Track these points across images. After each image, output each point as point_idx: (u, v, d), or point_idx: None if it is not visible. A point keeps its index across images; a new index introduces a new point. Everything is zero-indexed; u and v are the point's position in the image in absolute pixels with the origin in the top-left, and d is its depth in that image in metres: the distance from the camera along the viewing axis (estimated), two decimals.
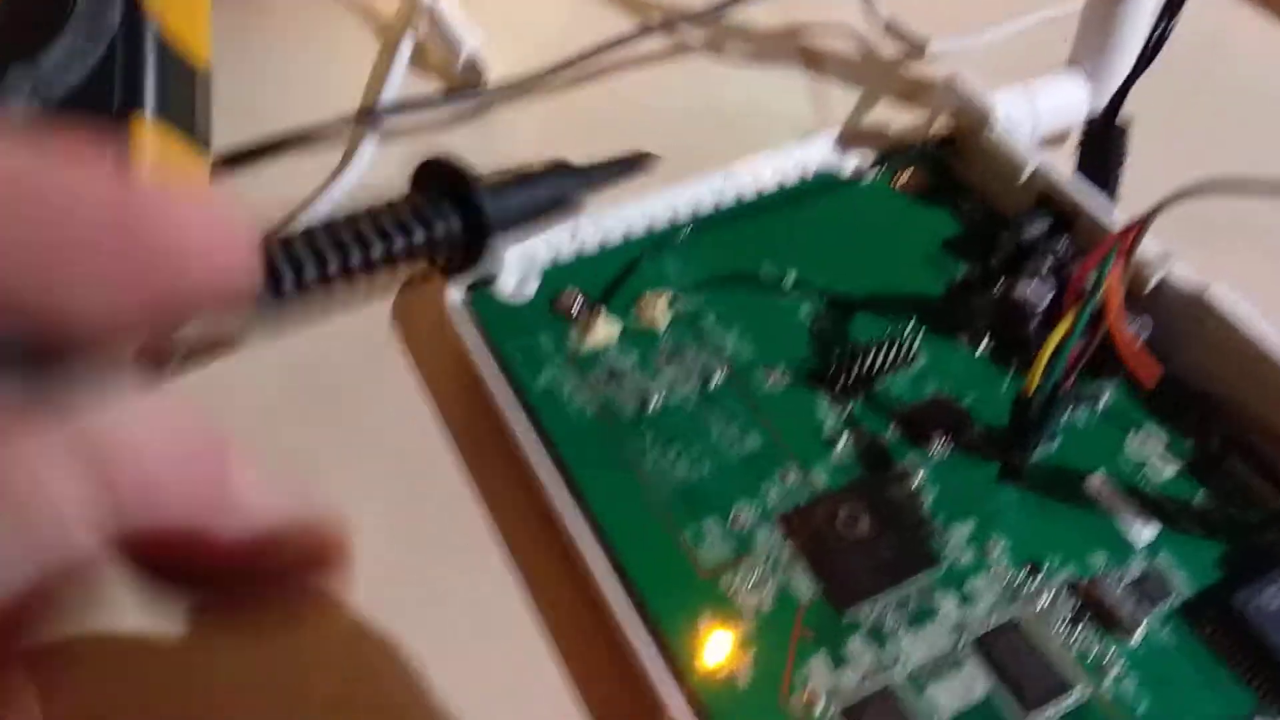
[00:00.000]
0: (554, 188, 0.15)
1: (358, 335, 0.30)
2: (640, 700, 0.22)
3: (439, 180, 0.14)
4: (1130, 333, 0.22)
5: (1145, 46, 0.28)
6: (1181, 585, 0.23)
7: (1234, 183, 0.22)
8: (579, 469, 0.25)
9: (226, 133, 0.35)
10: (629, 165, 0.16)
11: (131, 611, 0.13)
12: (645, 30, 0.37)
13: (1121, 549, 0.24)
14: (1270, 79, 0.38)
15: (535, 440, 0.26)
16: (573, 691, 0.23)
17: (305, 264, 0.12)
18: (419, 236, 0.13)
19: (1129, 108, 0.31)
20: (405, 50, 0.38)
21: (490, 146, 0.36)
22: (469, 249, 0.13)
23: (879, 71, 0.39)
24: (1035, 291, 0.26)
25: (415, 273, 0.13)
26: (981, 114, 0.31)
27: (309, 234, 0.12)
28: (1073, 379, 0.24)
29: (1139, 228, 0.23)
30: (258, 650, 0.24)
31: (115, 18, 0.28)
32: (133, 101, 0.28)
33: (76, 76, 0.28)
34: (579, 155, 0.35)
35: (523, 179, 0.14)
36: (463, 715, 0.23)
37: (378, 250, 0.13)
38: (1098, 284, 0.23)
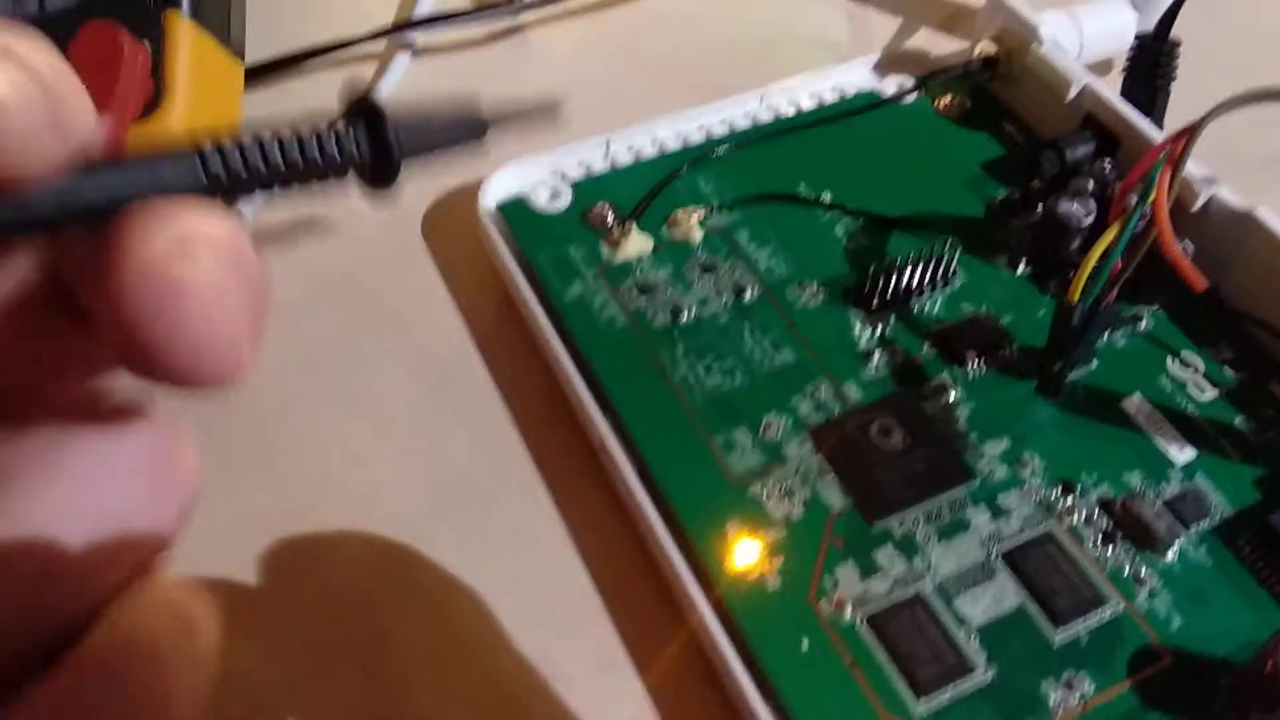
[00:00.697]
0: (459, 126, 0.16)
1: (391, 244, 0.30)
2: (670, 604, 0.22)
3: (358, 107, 0.15)
4: (1176, 241, 0.22)
5: None
6: (1219, 506, 0.23)
7: None
8: (608, 377, 0.25)
9: (260, 45, 0.34)
10: (537, 113, 0.18)
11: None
12: None
13: (1158, 469, 0.24)
14: None
15: (564, 349, 0.26)
16: (603, 596, 0.23)
17: (228, 145, 0.13)
18: (332, 147, 0.14)
19: (1176, 31, 0.30)
20: None
21: (523, 64, 0.36)
22: (377, 166, 0.15)
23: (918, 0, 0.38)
24: (1078, 209, 0.26)
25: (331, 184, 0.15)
26: (1028, 32, 0.30)
27: (235, 137, 0.14)
28: (1114, 294, 0.23)
29: (1189, 135, 0.22)
30: (283, 536, 0.24)
31: None
32: None
33: None
34: (611, 76, 0.35)
35: (431, 114, 0.16)
36: (493, 617, 0.23)
37: (294, 151, 0.14)
38: (1146, 192, 0.22)
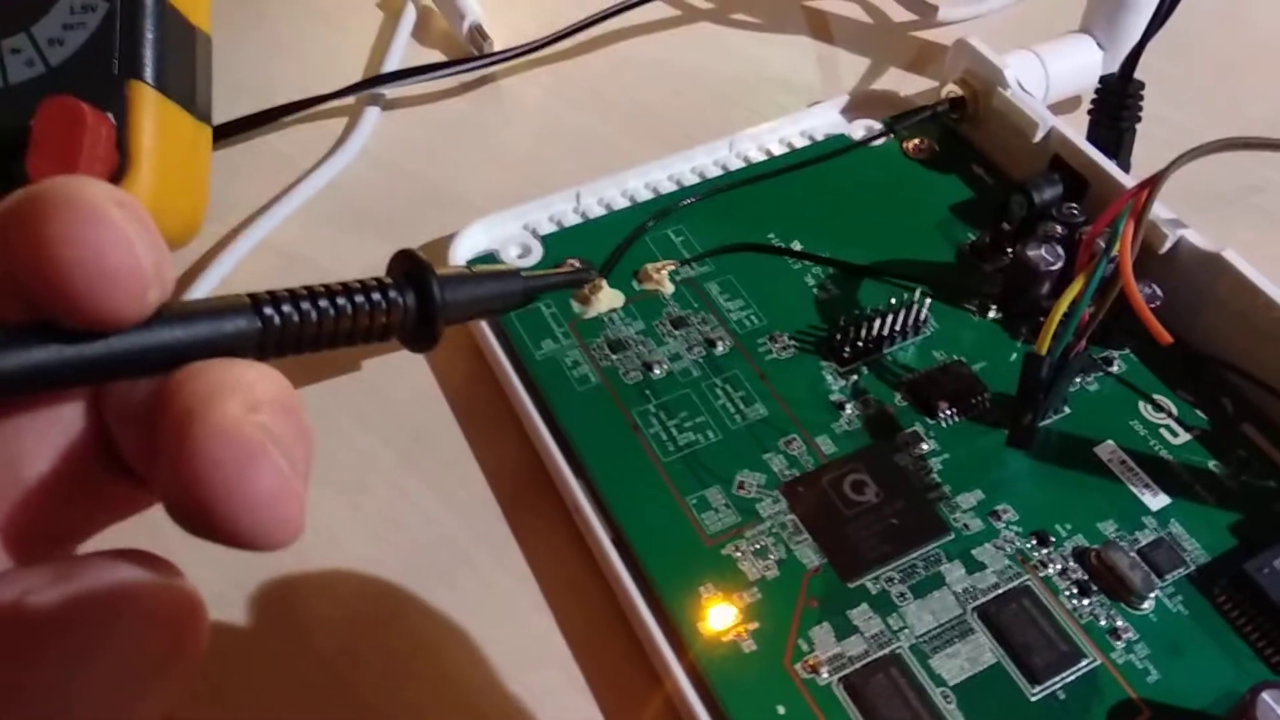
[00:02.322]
0: (501, 287, 0.17)
1: None
2: (647, 669, 0.22)
3: (404, 266, 0.16)
4: (1140, 293, 0.22)
5: (1160, 6, 0.28)
6: (1194, 553, 0.23)
7: (1247, 141, 0.22)
8: (580, 438, 0.25)
9: (231, 102, 0.34)
10: (573, 277, 0.19)
11: None
12: None
13: (1132, 517, 0.24)
14: None
15: (536, 410, 0.25)
16: (579, 660, 0.23)
17: (285, 309, 0.14)
18: (380, 303, 0.15)
19: (1141, 73, 0.31)
20: (408, 20, 0.38)
21: (495, 114, 0.36)
22: (420, 327, 0.16)
23: (888, 39, 0.38)
24: (1046, 255, 0.26)
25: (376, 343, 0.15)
26: (994, 75, 0.30)
27: (291, 290, 0.14)
28: (1084, 342, 0.23)
29: (1152, 185, 0.22)
30: (260, 607, 0.24)
31: None
32: (132, 67, 0.28)
33: (76, 42, 0.28)
34: (583, 125, 0.35)
35: (475, 275, 0.17)
36: (465, 680, 0.23)
37: (346, 307, 0.15)
38: (1111, 243, 0.22)
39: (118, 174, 0.27)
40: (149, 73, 0.28)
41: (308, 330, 0.14)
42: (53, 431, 0.13)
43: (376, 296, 0.15)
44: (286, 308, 0.14)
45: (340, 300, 0.14)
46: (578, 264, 0.28)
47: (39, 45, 0.28)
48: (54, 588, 0.12)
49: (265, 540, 0.12)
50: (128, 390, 0.13)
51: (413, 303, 0.15)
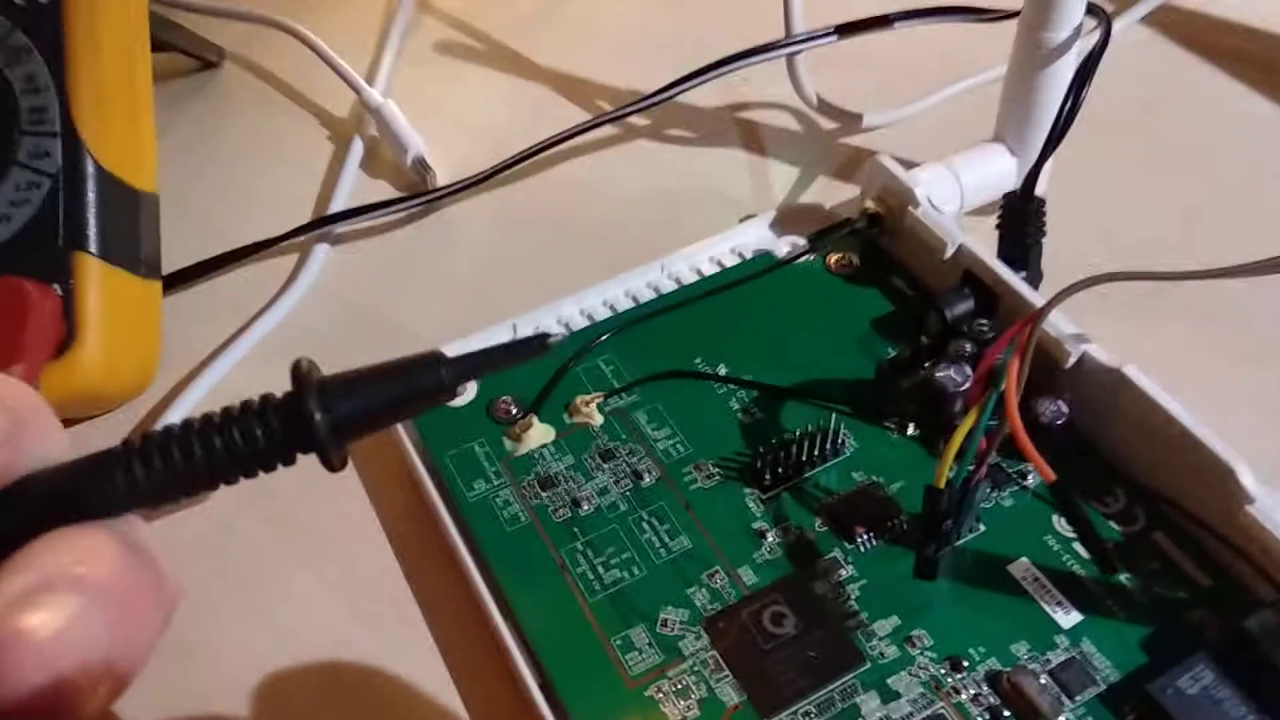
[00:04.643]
0: (412, 383, 0.14)
1: None
2: None
3: (292, 387, 0.14)
4: (1025, 432, 0.22)
5: (1056, 122, 0.29)
6: (1104, 672, 0.24)
7: (1130, 274, 0.23)
8: (508, 578, 0.26)
9: (184, 249, 0.36)
10: (526, 347, 0.15)
11: None
12: (590, 124, 0.38)
13: (1044, 636, 0.24)
14: (1208, 129, 0.39)
15: (467, 549, 0.26)
16: None
17: (156, 464, 0.13)
18: (239, 438, 0.14)
19: (1060, 169, 0.32)
20: (356, 154, 0.40)
21: (440, 244, 0.37)
22: (309, 449, 0.14)
23: (816, 147, 0.39)
24: (954, 375, 0.27)
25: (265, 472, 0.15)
26: (905, 193, 0.31)
27: (166, 432, 0.13)
28: (984, 468, 0.24)
29: (1032, 322, 0.23)
30: None
31: (58, 159, 0.30)
32: (76, 239, 0.29)
33: (22, 218, 0.29)
34: (524, 250, 0.36)
35: (373, 375, 0.14)
36: None
37: (209, 451, 0.13)
38: (998, 377, 0.23)
39: (66, 341, 0.29)
40: (92, 243, 0.29)
41: (180, 484, 0.13)
42: None
43: (257, 432, 0.13)
44: (156, 462, 0.13)
45: (214, 444, 0.13)
46: (510, 401, 0.30)
47: None
48: None
49: None
50: None
51: (294, 431, 0.13)
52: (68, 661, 0.13)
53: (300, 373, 0.14)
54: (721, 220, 0.36)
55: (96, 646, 0.13)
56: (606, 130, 0.40)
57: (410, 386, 0.14)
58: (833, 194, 0.37)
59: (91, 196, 0.30)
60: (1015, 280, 0.29)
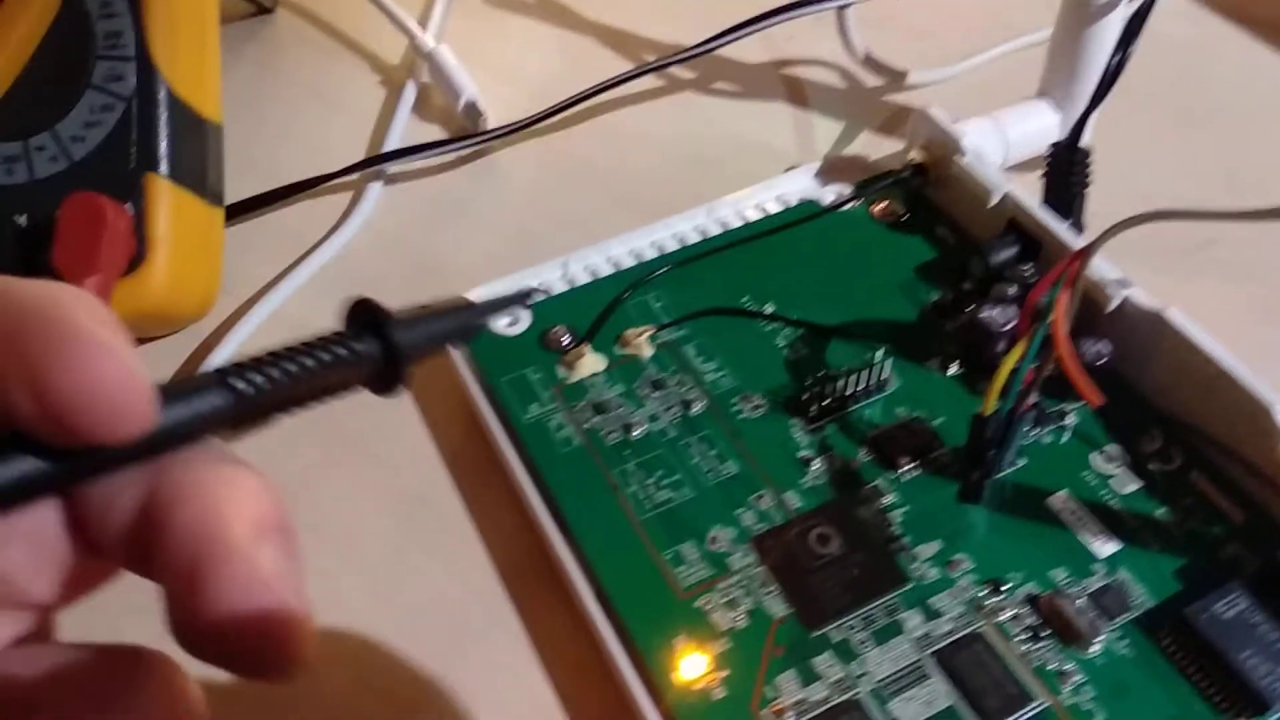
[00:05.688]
0: (456, 319, 0.17)
1: None
2: (628, 713, 0.24)
3: (362, 315, 0.16)
4: (1075, 358, 0.23)
5: (1104, 74, 0.30)
6: (1141, 599, 0.24)
7: (1175, 212, 0.23)
8: (563, 496, 0.27)
9: (243, 183, 0.37)
10: (516, 298, 0.19)
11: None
12: (635, 73, 0.39)
13: (1082, 564, 0.25)
14: (1247, 97, 0.39)
15: (524, 469, 0.27)
16: (560, 704, 0.25)
17: (253, 377, 0.14)
18: (346, 357, 0.15)
19: (1102, 132, 0.32)
20: (408, 99, 0.40)
21: (489, 188, 0.38)
22: (387, 372, 0.16)
23: (861, 103, 0.40)
24: (999, 315, 0.28)
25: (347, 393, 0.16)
26: (951, 143, 0.32)
27: (255, 357, 0.14)
28: (1029, 400, 0.25)
29: (1082, 257, 0.24)
30: None
31: (131, 82, 0.31)
32: (148, 160, 0.30)
33: (96, 139, 0.30)
34: (572, 195, 0.37)
35: (430, 314, 0.17)
36: None
37: (312, 365, 0.15)
38: (1047, 310, 0.24)
39: (137, 260, 0.30)
40: (164, 165, 0.30)
41: (279, 394, 0.14)
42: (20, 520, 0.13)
43: (341, 351, 0.15)
44: (255, 376, 0.14)
45: (306, 360, 0.14)
46: (563, 330, 0.30)
47: (62, 142, 0.30)
48: (55, 674, 0.13)
49: (278, 677, 0.12)
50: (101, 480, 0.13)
51: (376, 351, 0.15)
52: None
53: (375, 306, 0.16)
54: (765, 171, 0.37)
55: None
56: (651, 81, 0.41)
57: (456, 324, 0.17)
58: (877, 148, 0.38)
59: (163, 120, 0.30)
60: (1059, 227, 0.29)
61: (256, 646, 0.12)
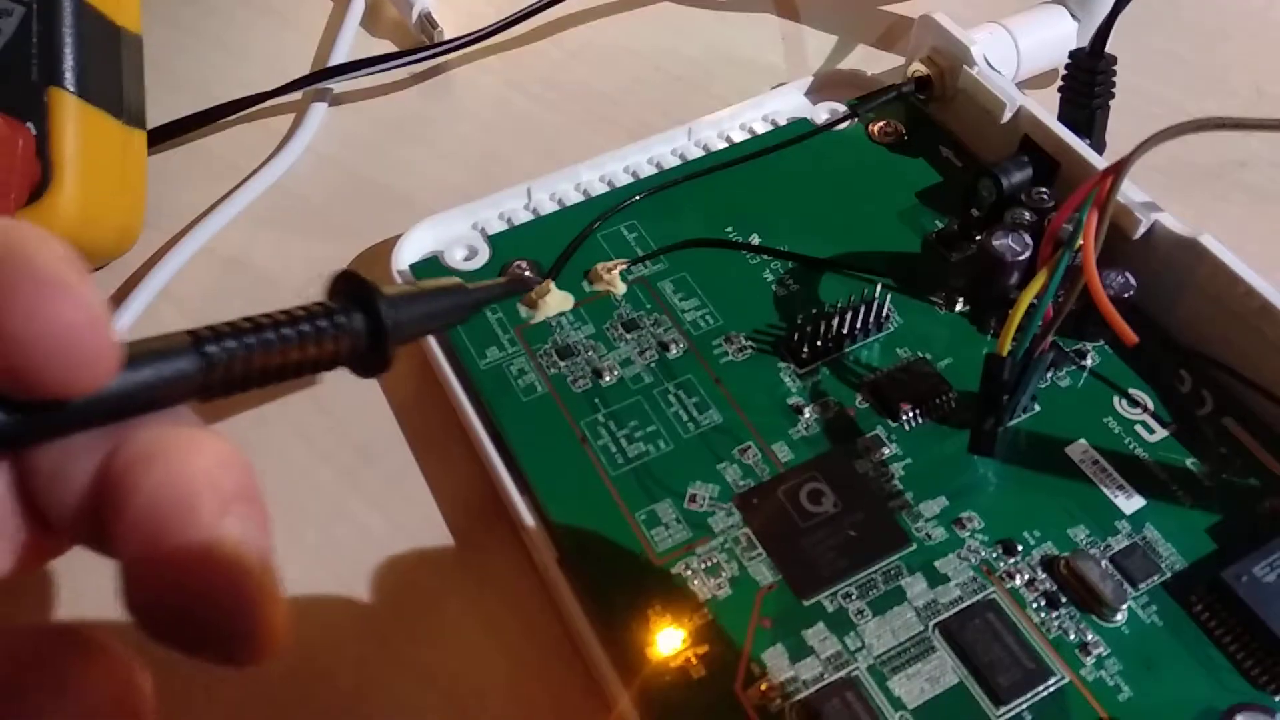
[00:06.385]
0: (448, 301, 0.16)
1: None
2: (595, 694, 0.21)
3: (349, 289, 0.15)
4: (1108, 289, 0.20)
5: None
6: (1170, 560, 0.22)
7: (1220, 121, 0.20)
8: (525, 451, 0.24)
9: (169, 103, 0.33)
10: (510, 287, 0.19)
11: None
12: None
13: (1105, 521, 0.22)
14: (1276, 5, 0.36)
15: (480, 420, 0.24)
16: (525, 687, 0.22)
17: (228, 344, 0.13)
18: (327, 331, 0.14)
19: (1115, 44, 0.29)
20: (357, 8, 0.37)
21: (446, 107, 0.34)
22: (371, 351, 0.15)
23: (857, 14, 0.36)
24: (1012, 243, 0.25)
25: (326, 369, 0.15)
26: (960, 52, 0.29)
27: (230, 323, 0.14)
28: (1049, 339, 0.22)
29: (1116, 172, 0.21)
30: None
31: None
32: (51, 73, 0.27)
33: None
34: (536, 115, 0.33)
35: (421, 293, 0.16)
36: (411, 709, 0.22)
37: (291, 336, 0.14)
38: (1074, 234, 0.21)
39: (41, 186, 0.26)
40: (69, 79, 0.27)
41: (253, 365, 0.13)
42: None
43: (324, 324, 0.14)
44: (229, 343, 0.13)
45: (286, 330, 0.14)
46: (525, 265, 0.27)
47: None
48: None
49: (246, 659, 0.12)
50: (55, 445, 0.12)
51: (361, 328, 0.15)
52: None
53: (364, 282, 0.15)
54: (752, 88, 0.33)
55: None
56: None
57: (446, 306, 0.16)
58: (875, 62, 0.34)
59: (69, 27, 0.27)
60: (1080, 145, 0.26)
61: (222, 625, 0.11)
